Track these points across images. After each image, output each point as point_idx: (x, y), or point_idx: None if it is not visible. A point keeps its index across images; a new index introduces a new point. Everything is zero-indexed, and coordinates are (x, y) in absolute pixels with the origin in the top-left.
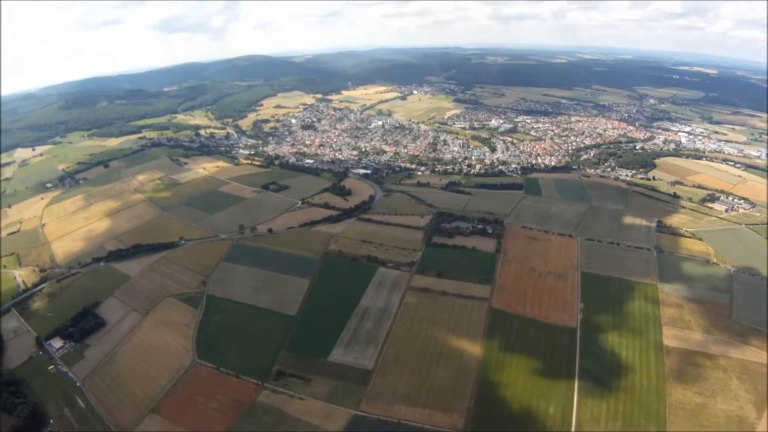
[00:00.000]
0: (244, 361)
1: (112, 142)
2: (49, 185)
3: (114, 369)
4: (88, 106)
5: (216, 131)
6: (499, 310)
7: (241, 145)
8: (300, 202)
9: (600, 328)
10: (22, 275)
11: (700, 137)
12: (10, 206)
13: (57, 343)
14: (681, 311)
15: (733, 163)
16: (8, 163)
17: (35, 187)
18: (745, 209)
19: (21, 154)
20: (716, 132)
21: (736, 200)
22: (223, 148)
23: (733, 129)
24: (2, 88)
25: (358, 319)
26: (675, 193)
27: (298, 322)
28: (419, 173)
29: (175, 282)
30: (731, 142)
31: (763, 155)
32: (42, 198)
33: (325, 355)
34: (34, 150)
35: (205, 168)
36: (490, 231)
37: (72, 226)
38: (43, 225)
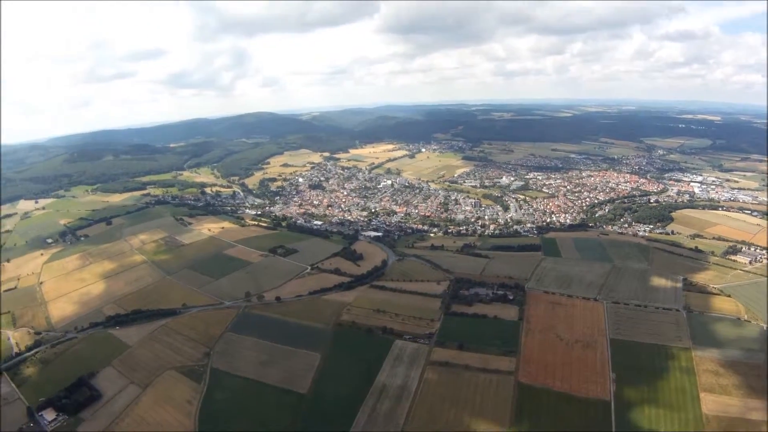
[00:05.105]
0: None
1: (116, 198)
2: (49, 240)
3: None
4: (94, 159)
5: (222, 190)
6: (527, 385)
7: (247, 204)
8: (309, 267)
9: (635, 400)
10: (15, 337)
11: (713, 186)
12: (9, 260)
13: (49, 415)
14: (717, 377)
15: (749, 212)
16: (10, 215)
17: (35, 241)
18: None
19: (24, 206)
20: (728, 180)
21: (758, 250)
22: (228, 208)
23: (744, 176)
24: (9, 136)
25: (375, 398)
26: (696, 247)
27: (309, 400)
28: (432, 235)
29: (177, 353)
30: (744, 189)
31: None
32: (41, 254)
33: None
34: (36, 202)
35: (209, 229)
36: (511, 297)
37: (70, 286)
38: (41, 283)
